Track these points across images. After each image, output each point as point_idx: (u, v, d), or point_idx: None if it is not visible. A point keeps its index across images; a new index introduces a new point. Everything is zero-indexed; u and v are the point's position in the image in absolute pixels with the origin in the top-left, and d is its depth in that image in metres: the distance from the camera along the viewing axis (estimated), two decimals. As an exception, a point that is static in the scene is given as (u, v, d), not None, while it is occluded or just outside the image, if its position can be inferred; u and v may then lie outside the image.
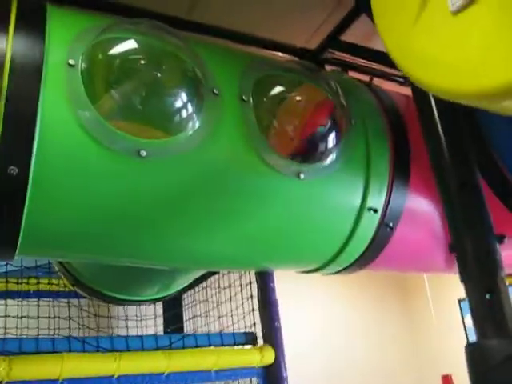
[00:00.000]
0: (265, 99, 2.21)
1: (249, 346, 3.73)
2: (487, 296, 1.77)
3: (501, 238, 2.03)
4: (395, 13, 1.47)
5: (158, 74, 1.91)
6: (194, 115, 1.83)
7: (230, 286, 4.30)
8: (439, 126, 2.12)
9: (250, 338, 3.77)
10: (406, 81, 2.79)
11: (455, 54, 1.29)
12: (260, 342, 3.78)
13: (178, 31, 1.97)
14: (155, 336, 4.01)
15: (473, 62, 1.24)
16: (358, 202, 2.22)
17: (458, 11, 1.27)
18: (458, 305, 6.12)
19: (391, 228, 2.30)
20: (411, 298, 7.11)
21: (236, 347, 3.73)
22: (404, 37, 1.43)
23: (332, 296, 6.84)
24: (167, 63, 1.94)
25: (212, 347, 3.60)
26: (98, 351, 3.26)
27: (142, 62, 1.89)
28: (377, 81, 2.84)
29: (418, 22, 1.38)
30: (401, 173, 2.30)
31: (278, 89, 2.31)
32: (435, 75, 1.34)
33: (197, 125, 1.81)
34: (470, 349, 1.80)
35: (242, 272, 4.12)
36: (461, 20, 1.27)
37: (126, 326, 4.73)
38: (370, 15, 2.33)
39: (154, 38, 1.89)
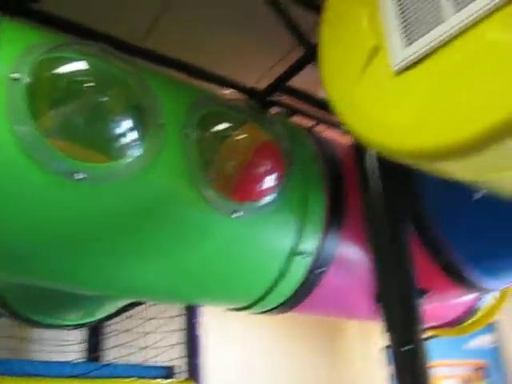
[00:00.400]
0: (209, 135, 2.23)
1: (169, 380, 3.65)
2: (406, 347, 1.82)
3: (423, 293, 2.09)
4: (340, 67, 1.53)
5: (104, 98, 1.89)
6: (136, 143, 1.83)
7: (156, 318, 4.22)
8: (376, 180, 2.19)
9: (171, 372, 3.70)
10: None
11: (394, 112, 1.34)
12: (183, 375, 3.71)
13: (129, 58, 1.97)
14: (73, 363, 3.87)
15: (410, 122, 1.30)
16: (290, 244, 2.24)
17: (400, 72, 1.33)
18: (384, 352, 6.19)
19: (321, 273, 2.33)
20: (338, 342, 7.14)
21: (156, 380, 3.64)
22: (347, 91, 1.48)
23: (258, 334, 6.79)
24: (115, 88, 1.93)
25: (131, 379, 3.50)
26: (11, 375, 3.12)
27: (90, 84, 1.88)
28: (321, 127, 2.92)
29: (362, 79, 1.43)
30: (335, 220, 2.35)
31: (222, 126, 2.33)
32: (374, 131, 1.38)
33: (138, 153, 1.80)
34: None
35: (171, 304, 4.06)
36: (401, 81, 1.33)
37: (43, 350, 4.54)
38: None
39: (104, 62, 1.88)
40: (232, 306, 2.55)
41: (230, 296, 2.40)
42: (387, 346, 1.96)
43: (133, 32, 2.61)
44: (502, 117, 1.13)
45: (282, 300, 2.38)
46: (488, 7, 1.16)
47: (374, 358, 6.35)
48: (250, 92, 2.83)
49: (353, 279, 2.46)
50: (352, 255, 2.42)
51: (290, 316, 2.93)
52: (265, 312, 2.52)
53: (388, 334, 1.92)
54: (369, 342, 6.45)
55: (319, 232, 2.30)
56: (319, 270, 2.32)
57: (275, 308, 2.44)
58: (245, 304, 2.43)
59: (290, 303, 2.41)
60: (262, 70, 3.06)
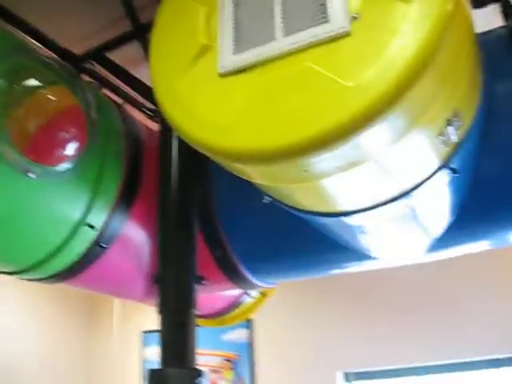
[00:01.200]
0: (16, 87, 2.10)
1: None
2: (178, 329, 1.93)
3: (200, 279, 2.23)
4: (169, 58, 1.56)
5: None
6: None
7: None
8: (175, 167, 2.29)
9: None
10: (155, 115, 2.92)
11: (212, 111, 1.43)
12: None
13: None
14: None
15: (225, 124, 1.39)
16: (78, 215, 2.22)
17: (226, 75, 1.43)
18: (141, 336, 6.31)
19: (102, 248, 2.34)
20: (99, 318, 7.10)
21: None
22: (171, 82, 1.53)
23: (22, 301, 6.50)
24: None
25: None
26: None
27: None
28: (128, 106, 2.92)
29: (188, 74, 1.50)
30: (126, 199, 2.38)
31: (32, 81, 2.22)
32: (190, 125, 1.45)
33: None
34: (153, 375, 1.93)
35: None
36: (225, 84, 1.43)
37: None
38: (144, 46, 2.43)
39: None
40: (5, 269, 2.43)
41: (6, 257, 2.29)
42: (147, 331, 2.05)
43: None
44: (299, 137, 1.27)
45: (58, 270, 2.33)
46: (310, 40, 1.32)
47: (132, 339, 6.45)
48: (63, 53, 2.75)
49: (134, 259, 2.51)
50: (137, 235, 2.47)
51: (54, 287, 2.88)
52: (38, 280, 2.44)
53: (161, 314, 2.01)
54: (129, 323, 6.52)
55: (108, 208, 2.31)
56: (102, 245, 2.33)
57: (50, 277, 2.38)
58: (19, 268, 2.33)
59: (67, 274, 2.37)
60: (81, 32, 2.95)
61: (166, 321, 1.97)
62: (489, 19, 2.11)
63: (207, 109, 1.44)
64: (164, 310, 2.00)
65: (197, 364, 1.94)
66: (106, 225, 2.31)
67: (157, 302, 2.05)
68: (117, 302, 6.53)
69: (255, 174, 1.60)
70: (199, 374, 1.90)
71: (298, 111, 1.29)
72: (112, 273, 2.51)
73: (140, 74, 2.85)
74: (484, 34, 2.07)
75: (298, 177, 1.47)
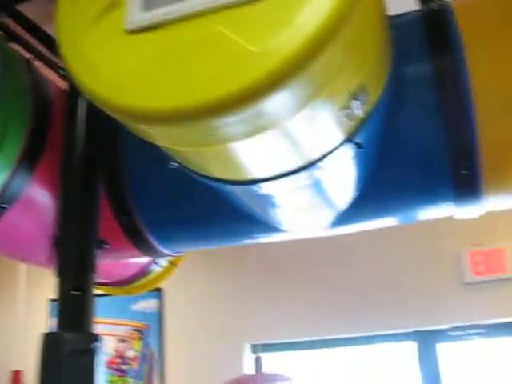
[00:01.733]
0: None
1: None
2: (75, 292, 1.89)
3: (101, 243, 2.18)
4: (75, 13, 1.49)
5: None
6: None
7: None
8: (81, 129, 2.22)
9: None
10: (67, 75, 2.80)
11: (117, 69, 1.38)
12: None
13: None
14: None
15: (130, 83, 1.35)
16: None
17: (133, 32, 1.38)
18: (48, 305, 6.14)
19: (2, 208, 2.25)
20: (1, 289, 6.86)
21: None
22: (77, 38, 1.46)
23: None
24: None
25: None
26: None
27: None
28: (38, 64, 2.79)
29: (94, 29, 1.44)
30: (29, 161, 2.29)
31: None
32: (96, 83, 1.39)
33: None
34: (47, 338, 1.88)
35: None
36: (133, 41, 1.38)
37: None
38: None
39: None
40: None
41: None
42: (55, 299, 2.00)
43: None
44: (202, 99, 1.24)
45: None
46: (221, 2, 1.29)
47: (38, 307, 6.27)
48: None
49: (37, 222, 2.43)
50: (41, 197, 2.39)
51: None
52: None
53: (58, 278, 1.96)
54: (36, 291, 6.33)
55: (9, 168, 2.22)
56: (1, 206, 2.24)
57: None
58: None
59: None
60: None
61: (63, 284, 1.93)
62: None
63: (111, 66, 1.39)
64: (62, 274, 1.95)
65: (94, 329, 1.92)
66: (7, 185, 2.21)
67: (55, 265, 2.00)
68: (23, 268, 6.33)
69: (159, 137, 1.57)
70: (95, 338, 1.88)
71: (202, 74, 1.27)
72: (12, 234, 2.42)
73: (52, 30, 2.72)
74: (400, 16, 2.11)
75: (202, 140, 1.46)
